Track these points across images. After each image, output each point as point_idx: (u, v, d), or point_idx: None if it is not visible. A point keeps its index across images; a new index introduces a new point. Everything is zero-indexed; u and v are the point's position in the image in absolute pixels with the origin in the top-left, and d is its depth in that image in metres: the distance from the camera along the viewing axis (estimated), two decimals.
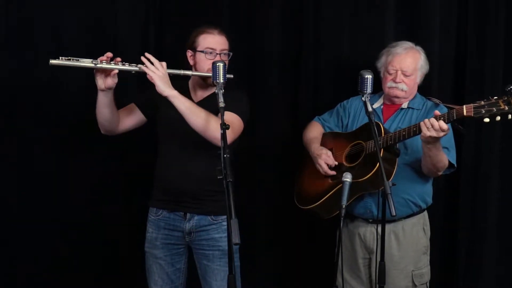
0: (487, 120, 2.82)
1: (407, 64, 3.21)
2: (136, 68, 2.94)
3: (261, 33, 3.74)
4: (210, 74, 2.80)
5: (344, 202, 2.77)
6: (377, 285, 2.83)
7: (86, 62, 2.91)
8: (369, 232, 3.24)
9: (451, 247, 3.73)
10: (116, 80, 2.95)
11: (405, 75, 3.22)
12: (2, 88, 3.60)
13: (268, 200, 3.78)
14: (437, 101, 3.29)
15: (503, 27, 3.62)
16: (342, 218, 2.76)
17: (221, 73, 2.73)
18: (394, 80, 3.22)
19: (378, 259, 2.82)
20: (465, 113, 2.84)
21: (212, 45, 3.06)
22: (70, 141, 3.67)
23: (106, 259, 3.75)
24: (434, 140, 2.92)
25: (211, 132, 2.85)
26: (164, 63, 2.93)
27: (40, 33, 3.61)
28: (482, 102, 2.83)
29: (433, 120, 2.88)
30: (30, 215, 3.65)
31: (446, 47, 3.67)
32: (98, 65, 2.91)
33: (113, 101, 3.04)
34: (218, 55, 3.05)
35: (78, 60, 2.90)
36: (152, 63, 2.91)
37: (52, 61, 2.88)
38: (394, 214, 2.61)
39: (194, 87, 3.17)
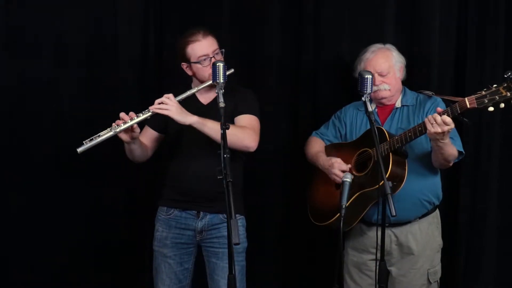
0: (491, 109, 2.82)
1: (379, 65, 3.24)
2: (150, 113, 2.99)
3: (261, 34, 3.74)
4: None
5: (344, 202, 2.77)
6: (377, 285, 2.82)
7: (107, 133, 2.98)
8: (386, 235, 3.22)
9: (451, 246, 3.73)
10: (138, 130, 3.03)
11: (382, 75, 3.23)
12: (2, 88, 3.60)
13: (268, 200, 3.77)
14: (429, 93, 3.29)
15: (503, 27, 3.62)
16: (342, 219, 2.75)
17: (221, 73, 2.74)
18: (374, 84, 3.21)
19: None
20: (468, 106, 2.85)
21: (203, 52, 3.10)
22: (71, 141, 3.66)
23: (109, 259, 3.74)
24: (441, 136, 2.91)
25: (242, 143, 2.94)
26: (171, 95, 2.98)
27: (40, 33, 3.61)
28: (483, 92, 2.84)
29: (435, 115, 2.88)
30: (31, 215, 3.65)
31: (446, 47, 3.67)
32: (118, 130, 2.97)
33: (140, 142, 3.11)
34: (212, 58, 3.08)
35: (99, 136, 2.98)
36: (161, 103, 2.96)
37: (79, 149, 2.97)
38: (394, 214, 2.60)
39: (200, 91, 3.18)
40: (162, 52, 3.69)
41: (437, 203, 3.28)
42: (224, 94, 2.75)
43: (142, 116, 2.99)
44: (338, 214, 3.12)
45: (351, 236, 3.33)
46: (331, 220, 3.24)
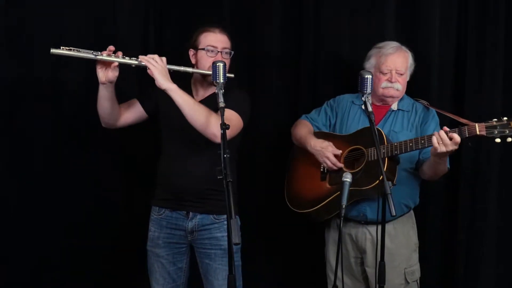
0: (498, 140, 2.87)
1: (400, 63, 3.24)
2: (136, 62, 2.96)
3: (261, 33, 3.75)
4: (211, 72, 2.80)
5: (344, 202, 2.76)
6: (377, 285, 2.83)
7: (87, 54, 2.93)
8: (360, 232, 3.25)
9: (451, 247, 3.73)
10: (116, 73, 2.97)
11: (400, 74, 3.23)
12: (1, 87, 3.60)
13: (268, 199, 3.77)
14: (425, 103, 3.31)
15: (503, 27, 3.62)
16: (342, 218, 2.75)
17: (221, 73, 2.74)
18: (389, 80, 3.23)
19: (378, 259, 2.83)
20: (478, 132, 2.87)
21: (213, 43, 3.09)
22: (70, 141, 3.67)
23: (106, 259, 3.74)
24: (445, 154, 2.93)
25: (210, 129, 2.88)
26: (164, 58, 2.96)
27: (40, 33, 3.60)
28: (494, 123, 2.87)
29: (442, 134, 2.89)
30: (30, 214, 3.65)
31: (446, 48, 3.67)
32: (98, 57, 2.94)
33: (114, 95, 3.06)
34: (219, 53, 3.08)
35: (79, 50, 2.93)
36: (152, 59, 2.94)
37: (53, 50, 2.90)
38: (394, 214, 2.61)
39: (195, 86, 3.19)
40: (162, 52, 3.68)
41: (412, 207, 3.30)
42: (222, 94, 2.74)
43: (127, 60, 2.96)
44: (321, 204, 3.21)
45: (331, 230, 3.35)
46: (308, 210, 3.26)
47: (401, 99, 3.31)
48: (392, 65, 3.22)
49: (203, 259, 3.14)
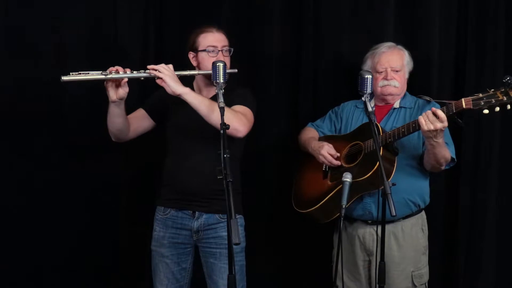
0: (486, 111, 2.86)
1: (394, 60, 3.27)
2: (146, 74, 2.97)
3: (261, 33, 3.74)
4: None
5: (344, 202, 2.77)
6: (377, 285, 2.82)
7: (96, 74, 2.95)
8: (368, 233, 3.24)
9: (451, 247, 3.73)
10: (127, 89, 2.99)
11: (395, 71, 3.26)
12: (1, 89, 3.60)
13: (268, 200, 3.78)
14: (428, 98, 3.32)
15: (503, 27, 3.62)
16: (342, 219, 2.76)
17: (221, 73, 2.74)
18: (385, 78, 3.26)
19: (378, 260, 2.82)
20: (464, 106, 2.88)
21: (213, 43, 3.10)
22: (71, 141, 3.66)
23: (109, 260, 3.74)
24: (435, 134, 2.92)
25: (232, 125, 2.83)
26: (171, 65, 2.98)
27: (40, 33, 3.61)
28: (480, 95, 2.87)
29: (428, 112, 2.91)
30: (30, 214, 3.65)
31: (446, 47, 3.68)
32: (108, 76, 2.94)
33: (124, 111, 3.08)
34: (220, 52, 3.09)
35: (88, 73, 2.95)
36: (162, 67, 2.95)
37: (64, 78, 2.92)
38: (394, 214, 2.61)
39: (199, 88, 3.20)
40: (162, 52, 3.69)
41: (422, 206, 3.27)
42: (222, 94, 2.74)
43: (136, 74, 2.97)
44: (321, 202, 3.23)
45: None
46: (313, 208, 3.26)
47: (404, 97, 3.33)
48: (387, 63, 3.25)
49: (208, 258, 3.14)
